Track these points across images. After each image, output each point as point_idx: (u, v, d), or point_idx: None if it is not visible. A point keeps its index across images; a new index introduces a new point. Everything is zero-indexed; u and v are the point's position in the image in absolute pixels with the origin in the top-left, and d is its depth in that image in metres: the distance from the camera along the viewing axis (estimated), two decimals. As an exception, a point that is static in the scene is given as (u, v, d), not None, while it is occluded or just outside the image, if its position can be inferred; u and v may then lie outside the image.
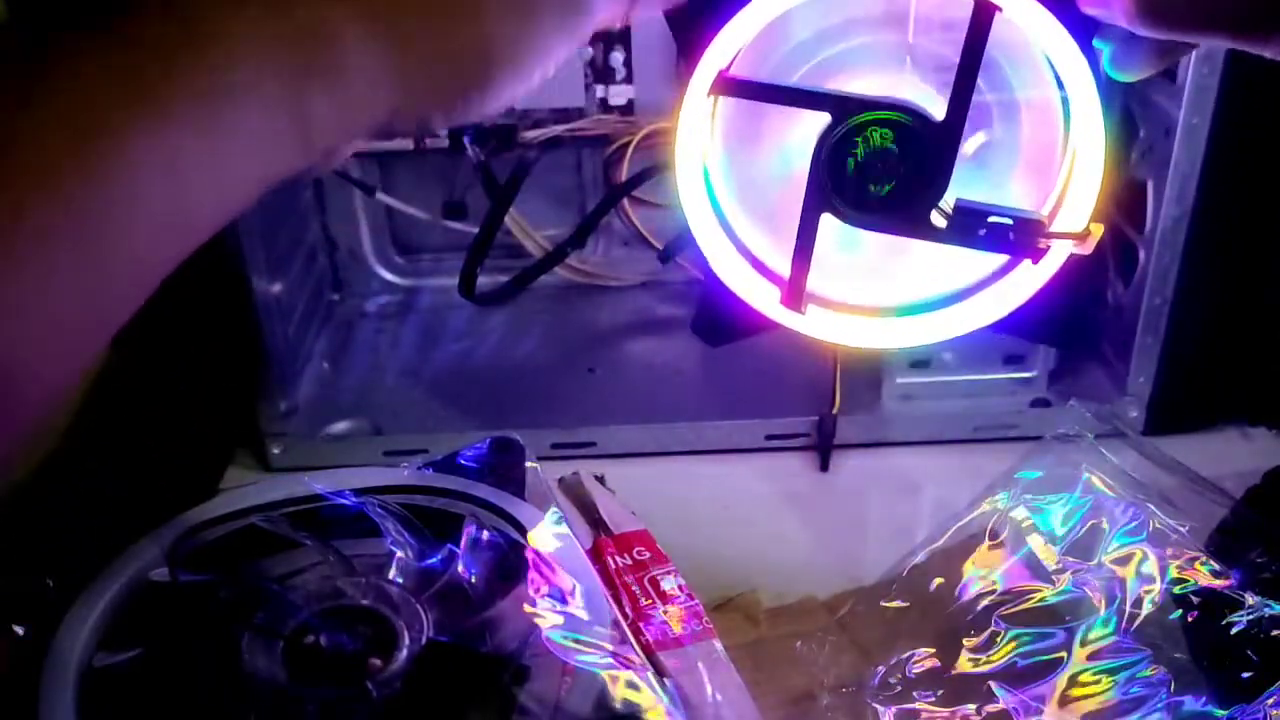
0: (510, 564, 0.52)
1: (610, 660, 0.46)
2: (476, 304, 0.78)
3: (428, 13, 0.32)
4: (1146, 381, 0.70)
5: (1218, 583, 0.53)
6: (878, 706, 0.51)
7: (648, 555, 0.58)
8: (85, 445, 0.54)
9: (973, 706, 0.51)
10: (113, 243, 0.28)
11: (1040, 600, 0.54)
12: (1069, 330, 0.48)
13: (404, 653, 0.46)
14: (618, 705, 0.45)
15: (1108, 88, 0.42)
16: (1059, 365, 0.73)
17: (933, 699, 0.52)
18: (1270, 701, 0.48)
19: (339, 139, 0.32)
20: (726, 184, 0.47)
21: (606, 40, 0.73)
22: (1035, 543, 0.56)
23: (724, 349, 0.67)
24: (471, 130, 0.75)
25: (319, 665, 0.46)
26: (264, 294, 0.68)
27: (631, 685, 0.45)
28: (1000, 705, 0.51)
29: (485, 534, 0.53)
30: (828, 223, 0.45)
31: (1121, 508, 0.57)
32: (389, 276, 0.89)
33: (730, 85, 0.44)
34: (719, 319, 0.49)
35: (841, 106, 0.43)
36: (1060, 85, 0.44)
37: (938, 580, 0.57)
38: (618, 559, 0.57)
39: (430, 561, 0.52)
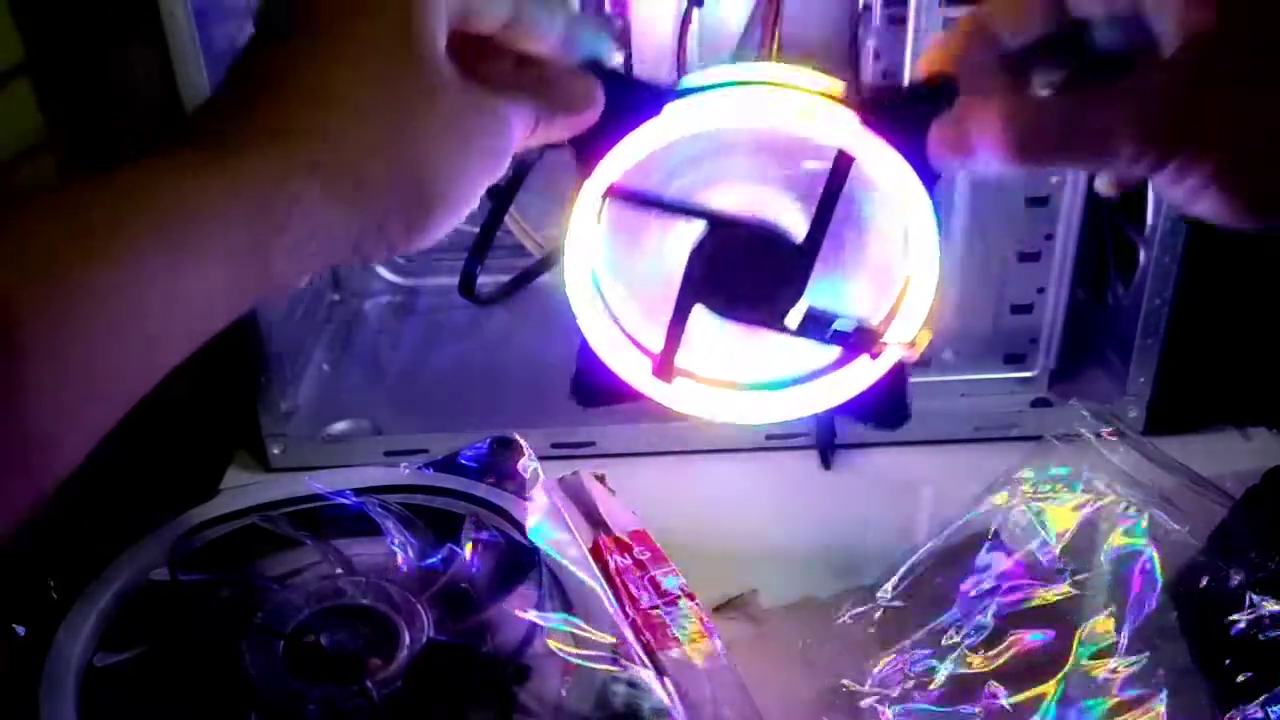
0: (510, 564, 0.52)
1: (610, 660, 0.46)
2: (476, 304, 0.78)
3: (376, 166, 0.35)
4: (1146, 381, 0.70)
5: (1218, 583, 0.53)
6: (878, 706, 0.51)
7: (648, 555, 0.58)
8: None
9: (973, 707, 0.51)
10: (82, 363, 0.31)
11: (1040, 600, 0.54)
12: (894, 412, 0.54)
13: (404, 653, 0.46)
14: (618, 705, 0.45)
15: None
16: (1059, 365, 0.73)
17: (933, 699, 0.52)
18: (1271, 702, 0.48)
19: (298, 278, 0.36)
20: (610, 272, 0.53)
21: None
22: (1035, 543, 0.56)
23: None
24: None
25: (319, 665, 0.46)
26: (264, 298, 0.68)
27: (631, 685, 0.45)
28: (1000, 705, 0.52)
29: (485, 534, 0.53)
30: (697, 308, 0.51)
31: (1121, 508, 0.57)
32: (389, 276, 0.89)
33: (624, 195, 0.49)
34: (594, 385, 0.54)
35: (716, 221, 0.49)
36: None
37: (938, 580, 0.57)
38: (618, 559, 0.57)
39: (430, 561, 0.52)
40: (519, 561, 0.51)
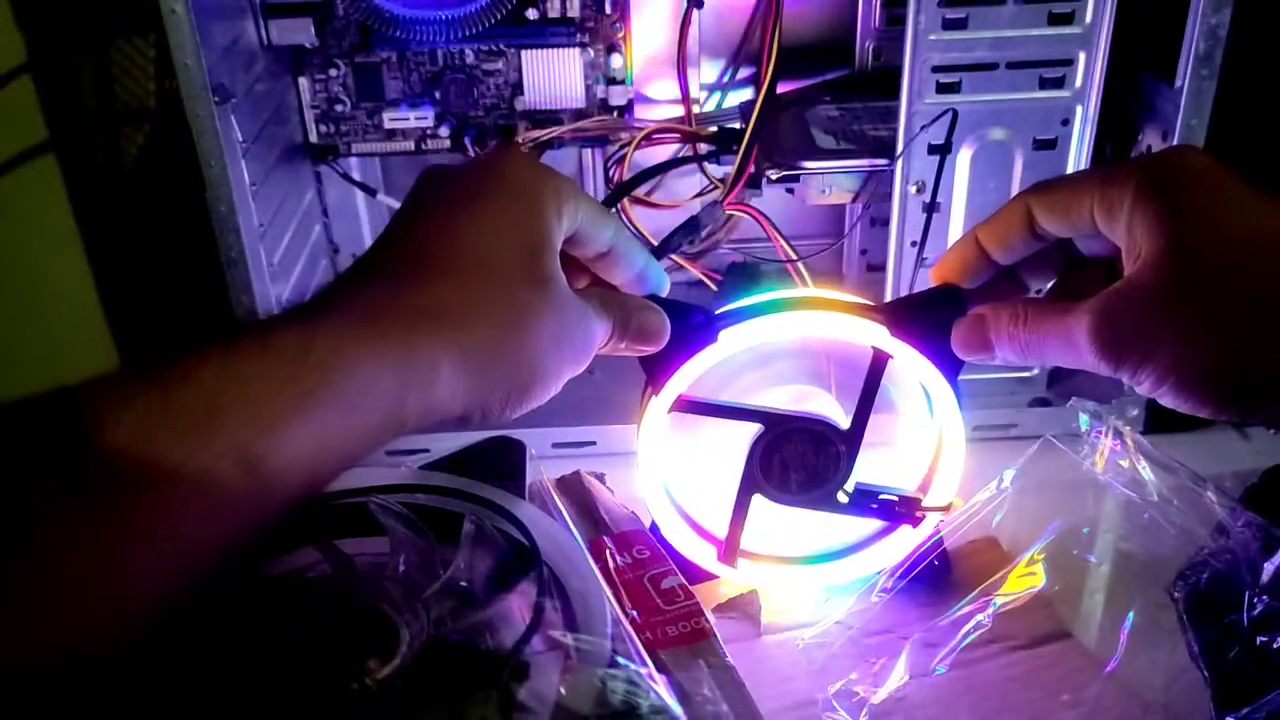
0: (510, 563, 0.52)
1: (610, 660, 0.46)
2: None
3: (497, 358, 0.44)
4: (1146, 382, 0.70)
5: (1217, 582, 0.53)
6: (877, 706, 0.52)
7: (648, 555, 0.58)
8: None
9: (973, 704, 0.51)
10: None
11: (1039, 599, 0.55)
12: (936, 571, 0.58)
13: (404, 651, 0.46)
14: (617, 704, 0.45)
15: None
16: (1059, 365, 0.73)
17: (933, 698, 0.52)
18: (1271, 703, 0.48)
19: (419, 428, 0.43)
20: (676, 469, 0.59)
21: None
22: (1035, 541, 0.56)
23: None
24: (472, 131, 0.75)
25: (319, 665, 0.46)
26: (267, 297, 0.68)
27: (631, 685, 0.45)
28: (1000, 704, 0.52)
29: (485, 533, 0.53)
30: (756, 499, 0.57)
31: (1121, 507, 0.57)
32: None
33: (689, 405, 0.56)
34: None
35: (771, 420, 0.55)
36: (930, 401, 0.56)
37: (937, 579, 0.57)
38: (618, 559, 0.57)
39: (430, 560, 0.52)
40: (519, 561, 0.51)
